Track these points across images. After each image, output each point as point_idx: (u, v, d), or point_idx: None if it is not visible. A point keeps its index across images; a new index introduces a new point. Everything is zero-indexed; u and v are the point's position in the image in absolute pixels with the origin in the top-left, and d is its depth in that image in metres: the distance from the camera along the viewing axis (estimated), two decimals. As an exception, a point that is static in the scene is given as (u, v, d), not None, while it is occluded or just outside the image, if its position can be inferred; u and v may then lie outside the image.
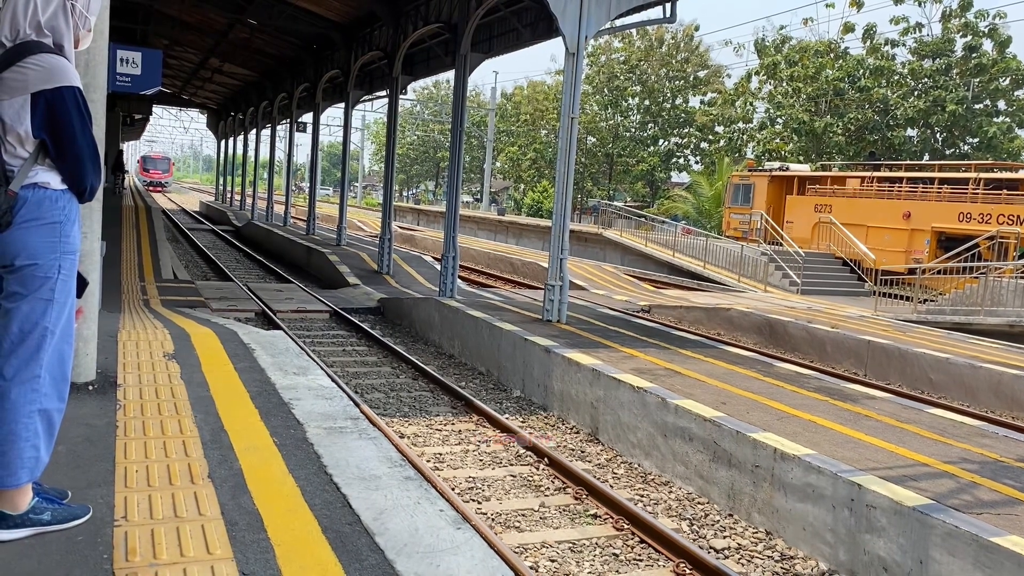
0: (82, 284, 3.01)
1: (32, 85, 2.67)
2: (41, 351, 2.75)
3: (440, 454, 6.81)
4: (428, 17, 15.74)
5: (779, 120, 36.57)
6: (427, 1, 15.76)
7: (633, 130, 47.74)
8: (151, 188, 63.45)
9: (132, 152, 75.34)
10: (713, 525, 5.71)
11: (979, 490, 4.99)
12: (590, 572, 4.89)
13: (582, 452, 7.24)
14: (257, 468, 3.68)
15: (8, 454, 2.70)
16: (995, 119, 32.11)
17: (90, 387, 4.84)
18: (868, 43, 34.03)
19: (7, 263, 2.72)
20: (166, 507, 3.16)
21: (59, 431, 3.87)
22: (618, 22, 11.86)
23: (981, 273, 15.38)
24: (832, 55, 34.98)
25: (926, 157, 33.02)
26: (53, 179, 2.76)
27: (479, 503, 5.80)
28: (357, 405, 6.53)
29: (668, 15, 11.52)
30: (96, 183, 2.87)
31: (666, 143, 47.23)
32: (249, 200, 36.96)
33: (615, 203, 39.53)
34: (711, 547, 5.35)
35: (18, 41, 2.72)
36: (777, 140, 36.39)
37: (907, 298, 16.47)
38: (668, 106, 46.60)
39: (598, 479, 6.35)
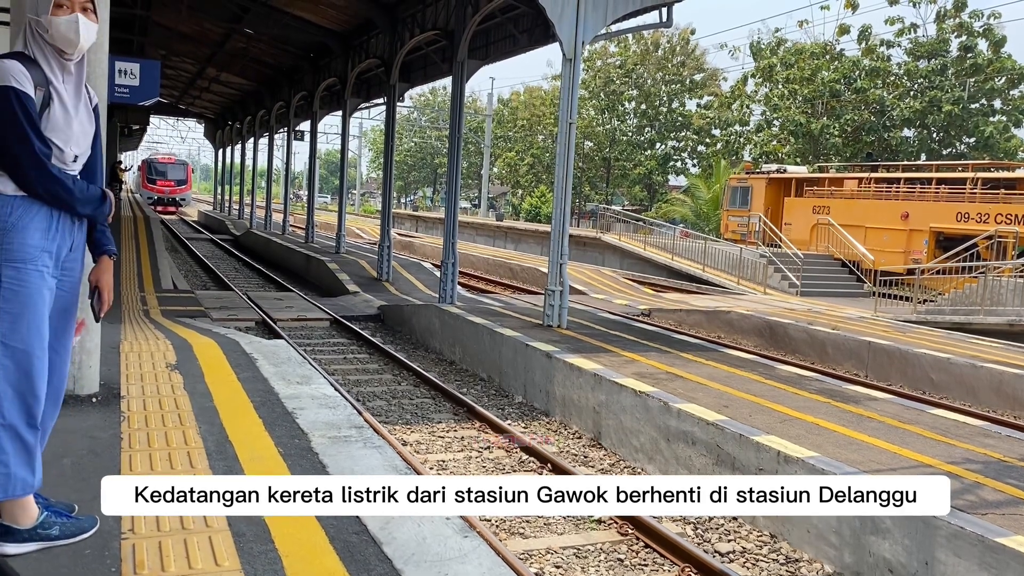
0: (97, 308, 2.99)
1: None
2: None
3: (443, 461, 6.81)
4: (425, 25, 15.77)
5: (776, 122, 36.64)
6: (424, 9, 15.80)
7: (630, 134, 47.81)
8: (161, 209, 44.89)
9: (132, 161, 73.86)
10: (718, 529, 5.71)
11: (983, 490, 5.00)
12: (596, 578, 4.89)
13: (585, 457, 7.24)
14: (262, 479, 3.68)
15: None
16: (991, 118, 32.17)
17: (93, 399, 4.84)
18: (863, 44, 34.12)
19: None
20: (173, 519, 3.16)
21: (64, 444, 3.89)
22: (614, 27, 11.90)
23: (980, 273, 15.40)
24: (828, 57, 35.06)
25: (923, 157, 33.08)
26: (6, 186, 2.72)
27: (483, 510, 5.80)
28: (360, 414, 6.53)
29: (664, 20, 11.57)
30: (53, 186, 2.75)
31: (663, 147, 47.31)
32: (247, 209, 36.99)
33: (613, 207, 39.57)
34: (716, 551, 5.35)
35: None
36: (774, 142, 36.45)
37: (906, 298, 16.48)
38: (665, 110, 46.69)
39: (602, 484, 6.34)
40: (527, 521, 5.64)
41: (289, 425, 4.57)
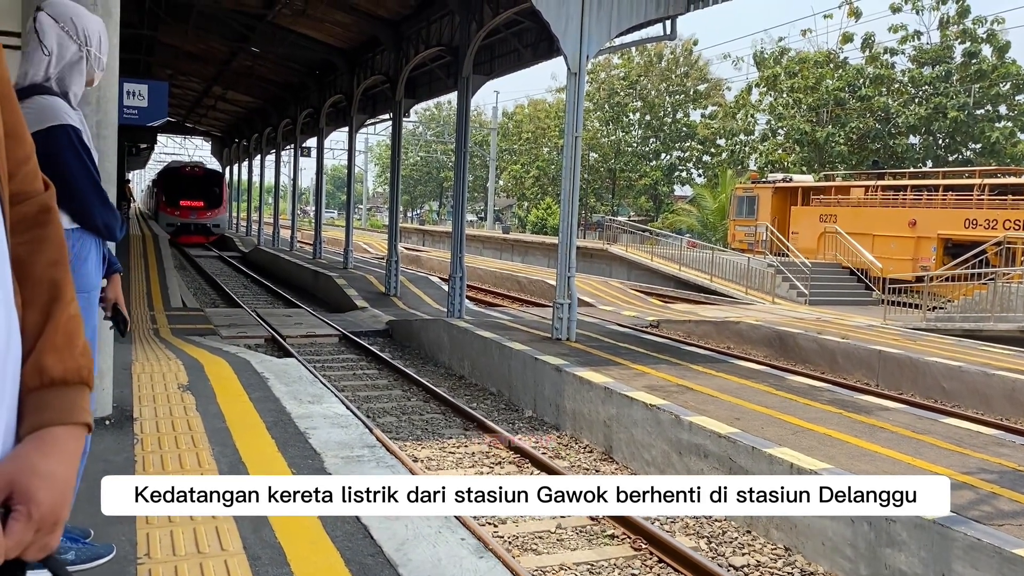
0: (124, 322, 3.02)
1: None
2: None
3: (455, 478, 6.80)
4: (429, 41, 15.86)
5: (781, 131, 36.64)
6: (428, 25, 15.88)
7: (635, 145, 47.89)
8: (187, 238, 33.99)
9: (138, 180, 74.02)
10: (731, 542, 5.68)
11: (999, 501, 4.96)
12: (610, 594, 4.87)
13: (596, 472, 7.22)
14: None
15: None
16: (997, 124, 32.11)
17: (107, 422, 4.85)
18: (867, 52, 34.13)
19: None
20: (188, 543, 3.17)
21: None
22: (618, 40, 11.93)
23: (989, 279, 15.34)
24: (832, 65, 35.07)
25: (929, 164, 33.01)
26: (63, 219, 2.78)
27: (495, 526, 5.79)
28: (371, 431, 6.53)
29: (668, 32, 11.59)
30: (109, 219, 2.85)
31: (668, 157, 47.34)
32: (255, 226, 37.09)
33: (619, 218, 39.58)
34: (730, 565, 5.33)
35: (17, 89, 2.77)
36: (779, 151, 36.43)
37: (916, 306, 16.41)
38: (669, 120, 46.76)
39: (614, 499, 6.32)
40: (539, 537, 5.62)
41: (302, 445, 4.57)
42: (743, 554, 5.50)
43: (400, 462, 4.59)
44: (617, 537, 5.64)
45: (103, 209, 2.83)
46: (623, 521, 5.77)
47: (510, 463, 7.21)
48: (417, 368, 11.35)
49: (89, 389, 1.03)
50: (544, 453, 7.50)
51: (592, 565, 5.22)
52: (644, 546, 5.44)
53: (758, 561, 5.38)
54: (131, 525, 3.31)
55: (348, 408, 6.26)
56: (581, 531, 5.75)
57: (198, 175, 35.39)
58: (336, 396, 6.60)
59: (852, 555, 5.06)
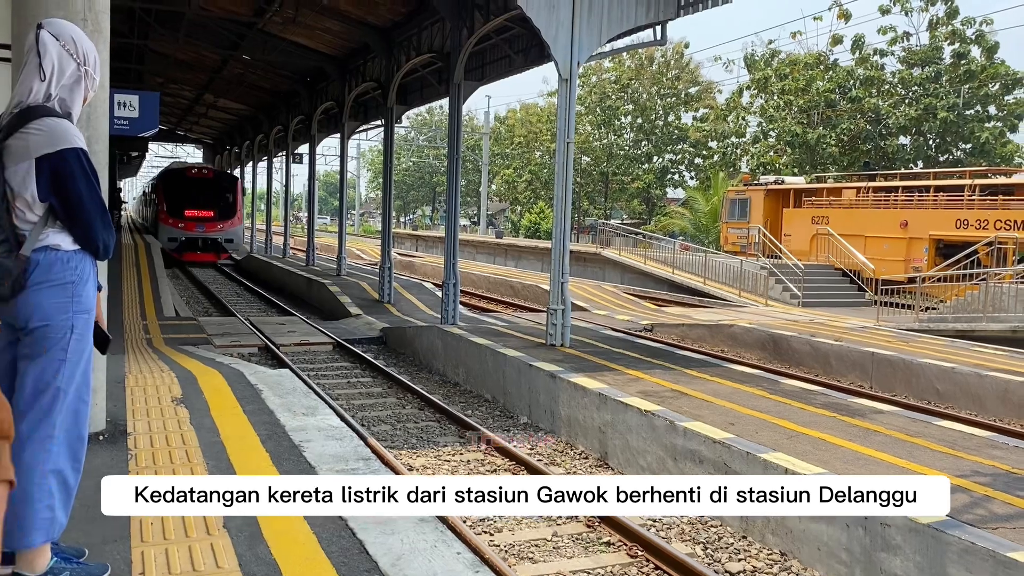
0: (105, 340, 3.02)
1: (35, 150, 2.70)
2: (54, 411, 2.75)
3: (450, 486, 6.78)
4: (421, 47, 15.86)
5: (772, 133, 36.74)
6: (419, 32, 15.90)
7: (627, 148, 47.96)
8: (193, 256, 29.42)
9: (129, 188, 73.66)
10: (727, 548, 5.69)
11: (993, 504, 4.98)
12: (607, 603, 4.87)
13: (592, 478, 7.23)
14: (272, 516, 3.67)
15: (22, 515, 2.70)
16: (987, 124, 32.26)
17: (100, 437, 4.83)
18: (857, 54, 34.27)
19: (22, 325, 2.74)
20: (183, 561, 3.16)
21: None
22: (608, 46, 11.96)
23: (981, 279, 15.40)
24: (822, 67, 35.21)
25: (919, 164, 33.15)
26: (64, 240, 2.79)
27: (491, 535, 5.78)
28: (365, 441, 6.52)
29: (659, 38, 11.63)
30: (109, 240, 2.88)
31: (660, 160, 47.42)
32: (248, 233, 37.01)
33: (612, 221, 39.63)
34: (726, 571, 5.33)
35: (22, 107, 2.77)
36: (771, 153, 36.53)
37: (908, 307, 16.48)
38: (661, 123, 46.85)
39: (610, 506, 6.32)
40: (536, 545, 5.62)
41: (296, 459, 4.56)
42: (739, 560, 5.51)
43: (395, 473, 4.58)
44: (613, 544, 5.65)
45: (104, 231, 2.86)
46: (619, 528, 5.77)
47: (505, 470, 7.21)
48: (411, 375, 11.34)
49: (8, 442, 0.96)
50: (540, 460, 7.49)
51: (588, 573, 5.22)
52: (640, 553, 5.44)
53: (754, 567, 5.39)
54: (125, 543, 3.30)
55: (343, 419, 6.26)
56: (577, 539, 5.75)
57: (207, 178, 30.14)
58: (331, 406, 6.59)
59: (847, 560, 5.07)
